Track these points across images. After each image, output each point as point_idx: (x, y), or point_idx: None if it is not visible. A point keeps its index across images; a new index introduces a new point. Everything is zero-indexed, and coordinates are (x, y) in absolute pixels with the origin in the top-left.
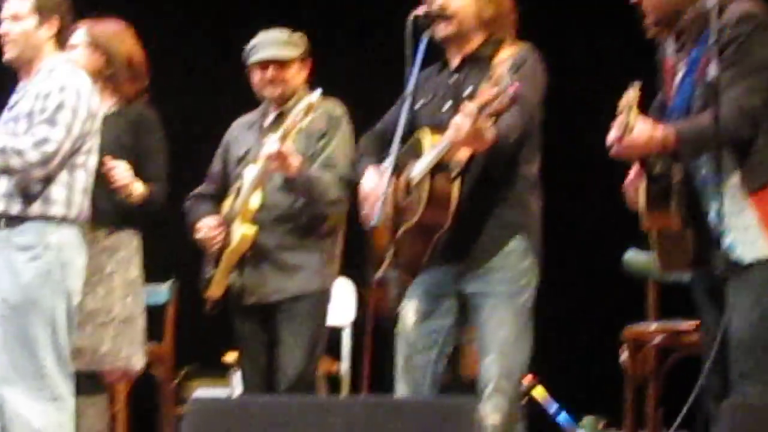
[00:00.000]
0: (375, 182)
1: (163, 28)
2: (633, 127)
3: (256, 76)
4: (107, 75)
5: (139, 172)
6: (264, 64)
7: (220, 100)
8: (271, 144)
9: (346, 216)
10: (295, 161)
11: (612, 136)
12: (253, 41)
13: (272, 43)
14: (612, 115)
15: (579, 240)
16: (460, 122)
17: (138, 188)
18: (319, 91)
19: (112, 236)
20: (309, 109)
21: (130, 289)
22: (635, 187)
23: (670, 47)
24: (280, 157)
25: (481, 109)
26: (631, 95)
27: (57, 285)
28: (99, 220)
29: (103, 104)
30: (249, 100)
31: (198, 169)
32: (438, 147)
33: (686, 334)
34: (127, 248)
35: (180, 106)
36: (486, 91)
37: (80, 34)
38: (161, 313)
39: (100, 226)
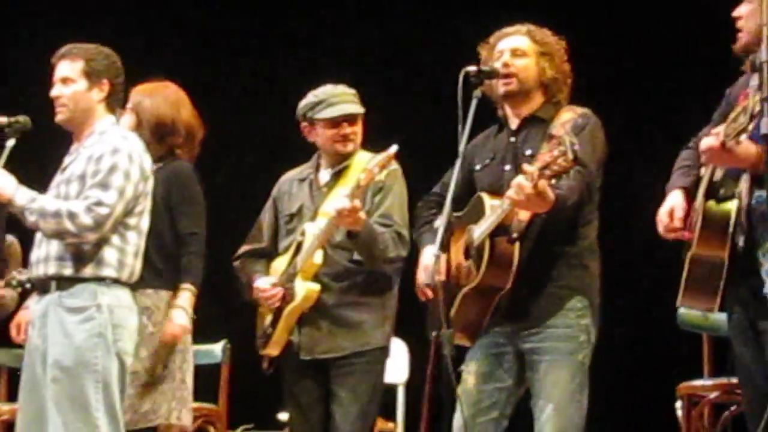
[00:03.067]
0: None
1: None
2: (744, 131)
3: (328, 132)
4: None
5: (174, 226)
6: (336, 121)
7: (259, 157)
8: (341, 200)
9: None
10: (363, 216)
11: (711, 141)
12: (319, 96)
13: (346, 99)
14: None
15: (636, 296)
16: (522, 184)
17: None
18: (395, 146)
19: (152, 297)
20: (387, 161)
21: (171, 348)
22: (669, 213)
23: (753, 81)
24: (352, 211)
25: (542, 170)
26: (751, 102)
27: (109, 346)
28: (138, 282)
29: None
30: (284, 156)
31: (240, 226)
32: (498, 209)
33: None
34: (166, 309)
35: (223, 163)
36: (547, 153)
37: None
38: (215, 374)
39: (139, 287)
